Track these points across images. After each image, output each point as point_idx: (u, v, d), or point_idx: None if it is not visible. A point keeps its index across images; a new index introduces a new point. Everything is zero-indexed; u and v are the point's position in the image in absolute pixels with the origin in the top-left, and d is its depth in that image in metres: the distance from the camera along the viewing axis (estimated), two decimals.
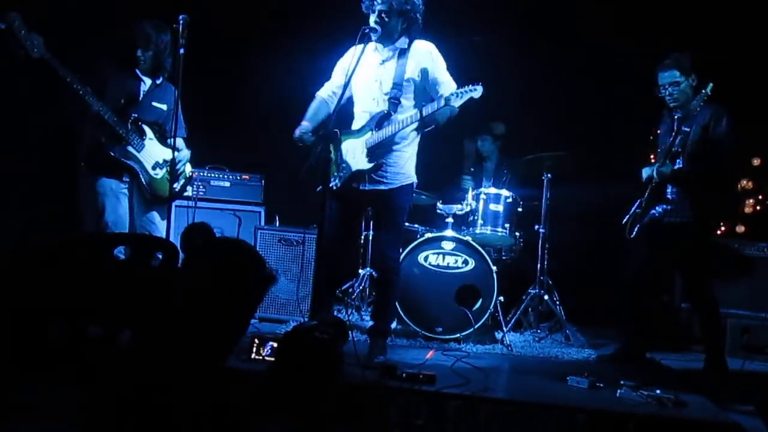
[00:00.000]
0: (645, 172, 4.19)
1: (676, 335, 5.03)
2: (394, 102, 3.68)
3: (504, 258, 5.13)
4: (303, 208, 4.67)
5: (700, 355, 4.26)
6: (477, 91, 3.54)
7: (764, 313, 4.69)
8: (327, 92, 3.91)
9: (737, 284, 4.81)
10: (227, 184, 5.45)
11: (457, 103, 3.56)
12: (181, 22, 3.89)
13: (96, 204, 4.05)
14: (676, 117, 4.06)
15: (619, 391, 3.34)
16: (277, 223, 5.12)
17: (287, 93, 5.43)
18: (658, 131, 4.29)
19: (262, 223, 5.35)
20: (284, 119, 5.54)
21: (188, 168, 4.37)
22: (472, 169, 5.55)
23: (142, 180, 4.10)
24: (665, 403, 3.20)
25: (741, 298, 4.80)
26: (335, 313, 4.60)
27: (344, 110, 3.70)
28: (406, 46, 3.72)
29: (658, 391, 3.27)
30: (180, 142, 4.28)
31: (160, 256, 2.22)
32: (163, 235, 4.02)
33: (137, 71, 4.15)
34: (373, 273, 4.83)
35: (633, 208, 4.21)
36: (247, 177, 5.51)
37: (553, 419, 3.05)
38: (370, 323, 3.93)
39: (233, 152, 5.61)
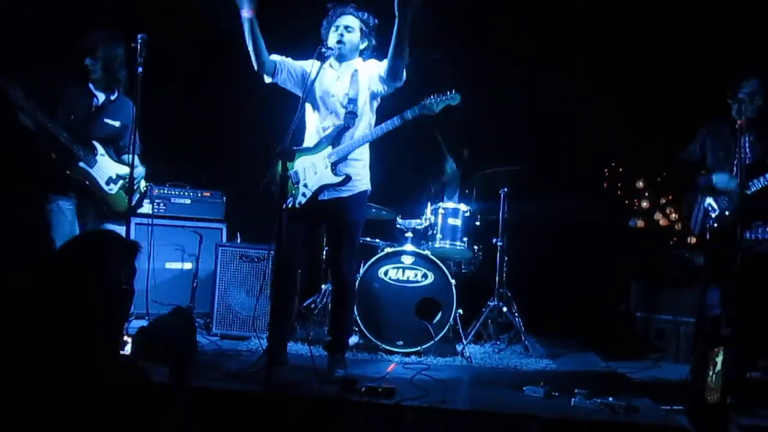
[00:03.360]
0: (721, 180, 3.97)
1: (634, 343, 5.17)
2: (352, 116, 3.76)
3: (463, 271, 5.21)
4: (265, 225, 4.67)
5: (656, 363, 4.39)
6: (455, 99, 3.73)
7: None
8: (277, 58, 3.85)
9: (689, 292, 4.94)
10: (188, 201, 5.45)
11: (436, 108, 3.73)
12: (139, 41, 3.90)
13: (45, 220, 4.03)
14: (739, 126, 3.84)
15: (573, 399, 3.44)
16: (239, 239, 5.12)
17: (249, 110, 5.49)
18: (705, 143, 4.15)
19: (224, 240, 5.36)
20: (245, 136, 5.61)
21: (143, 183, 4.36)
22: (432, 190, 5.63)
23: (96, 196, 4.08)
24: (617, 410, 3.30)
25: (693, 306, 4.94)
26: (297, 328, 4.63)
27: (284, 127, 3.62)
28: (360, 65, 3.83)
29: (610, 399, 3.38)
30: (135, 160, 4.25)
31: None
32: None
33: (90, 86, 4.13)
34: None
35: (700, 212, 4.02)
36: (208, 194, 5.52)
37: (508, 428, 3.12)
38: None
39: (194, 169, 5.61)
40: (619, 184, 5.05)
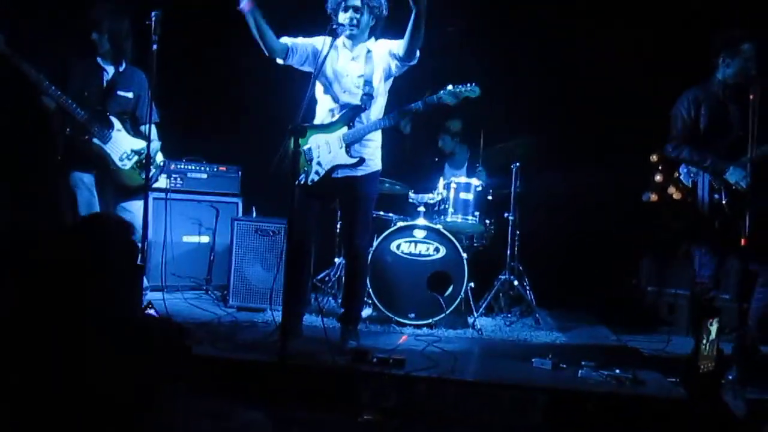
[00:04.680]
0: (736, 177, 3.82)
1: (645, 317, 5.21)
2: (368, 98, 3.78)
3: (475, 245, 5.26)
4: (280, 199, 4.75)
5: (667, 336, 4.49)
6: (474, 92, 3.74)
7: (727, 295, 4.85)
8: (288, 40, 3.85)
9: None
10: (204, 175, 5.54)
11: (452, 100, 3.75)
12: (153, 18, 3.93)
13: (70, 197, 4.13)
14: (722, 93, 3.87)
15: (580, 371, 3.50)
16: (254, 214, 5.21)
17: (265, 84, 5.51)
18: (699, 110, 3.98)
19: (240, 214, 5.45)
20: (262, 110, 5.66)
21: (159, 157, 4.39)
22: (436, 159, 5.68)
23: (111, 170, 4.16)
24: (623, 382, 3.36)
25: None
26: (312, 300, 4.73)
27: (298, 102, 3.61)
28: (372, 45, 3.84)
29: (617, 371, 3.44)
30: (152, 132, 4.26)
31: None
32: (140, 223, 3.98)
33: (99, 60, 4.17)
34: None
35: (705, 188, 3.90)
36: (224, 168, 5.61)
37: (514, 399, 3.20)
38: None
39: (210, 143, 5.68)
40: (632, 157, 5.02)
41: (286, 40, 3.81)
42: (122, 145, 4.20)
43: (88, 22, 4.11)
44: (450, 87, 3.75)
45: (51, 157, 4.24)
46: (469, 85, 3.74)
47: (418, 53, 3.71)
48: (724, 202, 3.86)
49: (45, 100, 3.99)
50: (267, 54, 3.78)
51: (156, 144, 4.27)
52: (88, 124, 4.04)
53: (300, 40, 3.84)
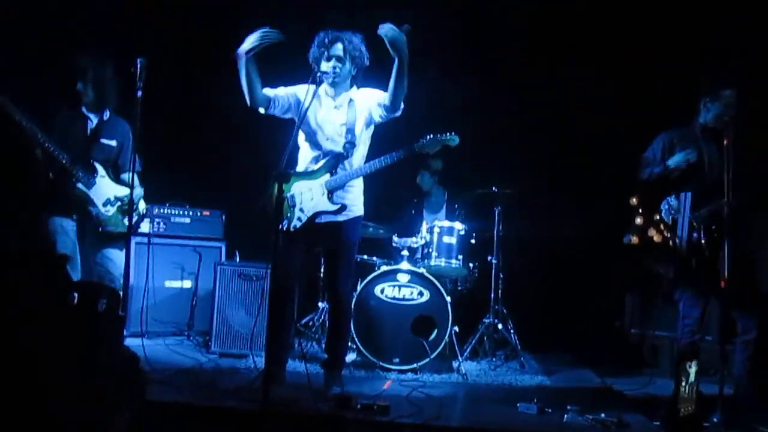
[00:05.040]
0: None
1: (629, 359, 5.21)
2: (350, 146, 3.83)
3: (459, 288, 5.27)
4: (263, 244, 4.74)
5: (651, 379, 4.49)
6: (454, 141, 3.85)
7: (710, 337, 4.87)
8: (270, 92, 3.86)
9: None
10: (188, 220, 5.53)
11: (433, 149, 3.86)
12: (138, 65, 3.99)
13: (48, 241, 4.10)
14: (706, 135, 3.94)
15: (565, 416, 3.49)
16: (238, 258, 5.19)
17: (248, 130, 5.55)
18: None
19: (223, 258, 5.43)
20: (245, 155, 5.69)
21: (142, 204, 4.42)
22: (415, 200, 5.72)
23: (93, 217, 4.15)
24: (608, 426, 3.36)
25: None
26: (295, 345, 4.68)
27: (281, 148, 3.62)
28: (355, 94, 3.90)
29: (602, 415, 3.43)
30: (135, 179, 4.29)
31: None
32: (121, 271, 3.97)
33: (83, 109, 4.21)
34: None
35: (685, 227, 3.92)
36: (207, 213, 5.60)
37: None
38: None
39: (194, 188, 5.69)
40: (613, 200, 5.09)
41: (267, 91, 3.82)
42: (106, 191, 4.21)
43: (73, 70, 4.15)
44: (430, 136, 3.84)
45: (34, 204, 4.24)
46: (448, 134, 3.84)
47: (402, 105, 3.76)
48: (702, 241, 3.91)
49: (36, 152, 4.03)
50: (249, 104, 3.78)
51: (139, 191, 4.27)
52: (71, 169, 4.05)
53: (281, 91, 3.87)
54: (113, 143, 4.28)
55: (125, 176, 4.28)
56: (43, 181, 4.12)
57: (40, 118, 4.03)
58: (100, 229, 4.18)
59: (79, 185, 4.11)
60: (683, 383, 3.15)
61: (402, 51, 3.49)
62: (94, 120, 4.23)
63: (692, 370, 3.20)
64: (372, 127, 3.94)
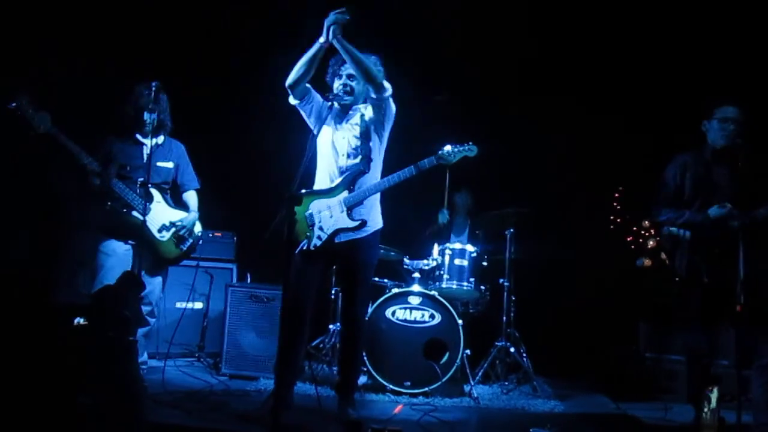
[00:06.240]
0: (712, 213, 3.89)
1: (644, 384, 5.13)
2: (367, 161, 3.83)
3: (471, 311, 5.23)
4: (275, 265, 4.73)
5: (667, 404, 4.40)
6: (472, 151, 3.86)
7: (726, 361, 4.80)
8: (311, 89, 3.89)
9: None
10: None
11: (453, 159, 3.85)
12: (153, 88, 4.10)
13: (94, 263, 4.25)
14: (710, 157, 3.99)
15: None
16: (249, 280, 5.18)
17: (261, 151, 5.59)
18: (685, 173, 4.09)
19: (234, 280, 5.42)
20: (257, 176, 5.71)
21: (197, 227, 4.57)
22: (428, 232, 5.67)
23: (148, 242, 4.28)
24: None
25: None
26: (306, 368, 4.66)
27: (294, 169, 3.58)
28: (365, 110, 3.91)
29: None
30: (193, 199, 4.56)
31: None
32: (157, 297, 4.47)
33: (137, 135, 4.36)
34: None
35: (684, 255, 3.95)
36: (219, 234, 5.62)
37: None
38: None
39: (206, 209, 5.69)
40: (626, 223, 5.07)
41: (310, 86, 3.85)
42: (161, 217, 4.37)
43: (139, 105, 4.28)
44: (449, 147, 3.83)
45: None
46: (467, 144, 3.83)
47: (382, 82, 3.74)
48: (702, 270, 3.87)
49: (93, 179, 4.15)
50: (289, 83, 3.76)
51: (194, 215, 4.49)
52: (128, 197, 4.20)
53: (318, 97, 3.89)
54: (169, 165, 4.47)
55: (186, 195, 4.56)
56: (100, 209, 4.26)
57: (98, 149, 4.22)
58: (156, 255, 4.36)
59: (134, 213, 4.22)
60: (705, 409, 3.09)
61: (333, 32, 3.54)
62: (148, 145, 4.31)
63: (713, 395, 3.14)
64: (386, 142, 3.92)
